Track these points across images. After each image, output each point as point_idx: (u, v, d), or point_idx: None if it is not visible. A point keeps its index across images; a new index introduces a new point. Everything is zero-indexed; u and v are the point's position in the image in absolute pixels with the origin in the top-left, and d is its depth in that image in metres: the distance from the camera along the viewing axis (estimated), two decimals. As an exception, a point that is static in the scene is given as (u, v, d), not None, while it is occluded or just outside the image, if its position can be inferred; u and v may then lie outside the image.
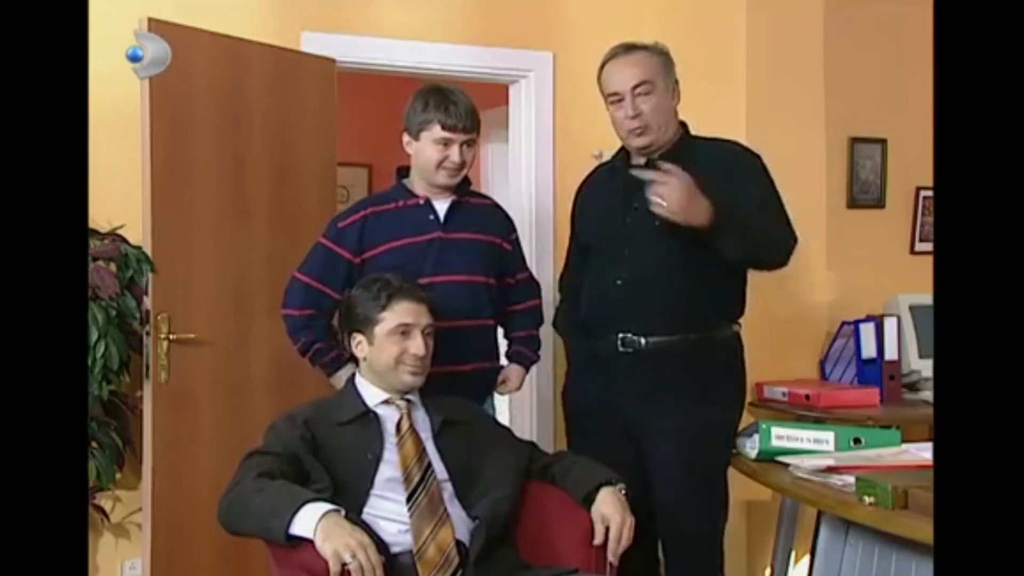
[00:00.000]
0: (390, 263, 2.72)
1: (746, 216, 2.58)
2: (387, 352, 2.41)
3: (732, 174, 2.65)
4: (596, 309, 2.76)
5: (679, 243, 2.58)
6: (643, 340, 2.64)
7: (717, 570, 2.74)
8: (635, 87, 2.66)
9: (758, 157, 2.75)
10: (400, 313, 2.42)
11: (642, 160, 2.71)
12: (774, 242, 2.66)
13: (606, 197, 2.81)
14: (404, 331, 2.41)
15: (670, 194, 2.47)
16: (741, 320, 2.78)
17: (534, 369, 3.71)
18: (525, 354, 2.95)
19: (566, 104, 3.98)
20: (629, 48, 2.72)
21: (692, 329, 2.64)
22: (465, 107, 2.74)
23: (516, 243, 2.96)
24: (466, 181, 2.84)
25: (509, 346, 2.96)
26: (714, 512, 2.70)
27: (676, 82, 2.73)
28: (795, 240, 2.69)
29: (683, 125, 2.77)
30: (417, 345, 2.40)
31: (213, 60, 3.21)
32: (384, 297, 2.43)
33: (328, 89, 3.53)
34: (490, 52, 3.87)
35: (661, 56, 2.72)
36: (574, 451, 2.75)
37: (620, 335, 2.67)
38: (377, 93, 4.77)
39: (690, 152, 2.69)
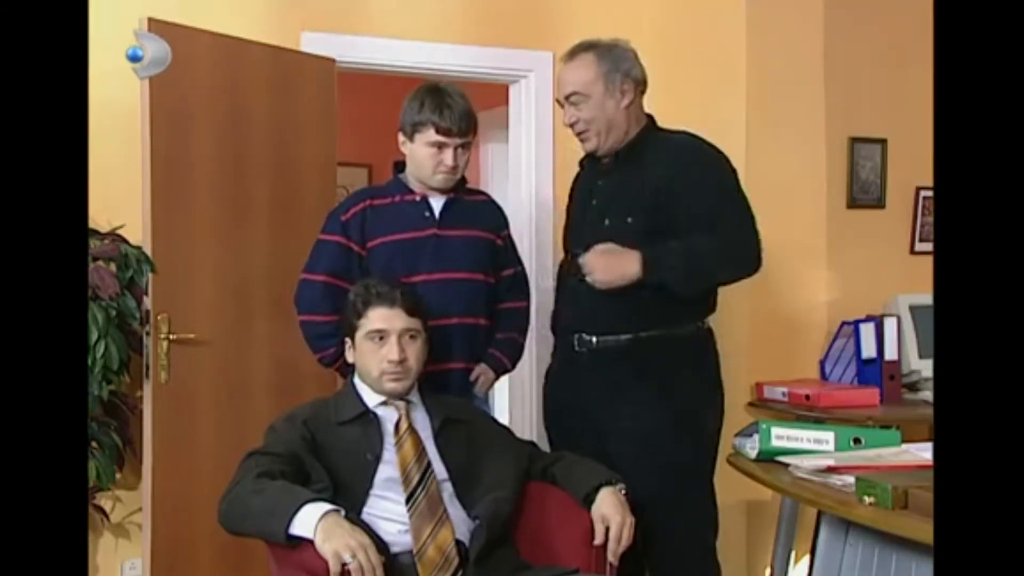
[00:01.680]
0: (386, 256, 2.71)
1: (687, 247, 2.58)
2: (367, 358, 2.43)
3: (685, 177, 2.64)
4: (560, 308, 2.81)
5: (629, 243, 2.61)
6: (594, 339, 2.66)
7: (701, 570, 2.70)
8: (568, 96, 2.69)
9: (719, 156, 2.71)
10: (373, 319, 2.43)
11: (605, 158, 2.75)
12: (731, 258, 2.65)
13: (579, 193, 2.86)
14: (380, 336, 2.42)
15: (592, 263, 2.58)
16: (711, 317, 2.76)
17: (534, 368, 3.73)
18: (497, 358, 2.83)
19: (566, 104, 3.98)
20: (573, 52, 2.72)
21: (646, 328, 2.63)
22: (461, 110, 2.70)
23: (508, 239, 2.93)
24: (462, 179, 2.83)
25: (488, 346, 2.85)
26: (690, 510, 2.66)
27: (630, 80, 2.68)
28: (758, 243, 2.65)
29: (649, 118, 2.77)
30: (391, 350, 2.40)
31: (213, 60, 3.21)
32: (360, 303, 2.45)
33: (328, 89, 3.53)
34: (490, 52, 3.87)
35: (604, 59, 2.68)
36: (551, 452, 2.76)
37: (576, 335, 2.69)
38: (377, 93, 4.76)
39: (643, 151, 2.70)
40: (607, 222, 2.68)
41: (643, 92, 2.75)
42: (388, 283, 2.50)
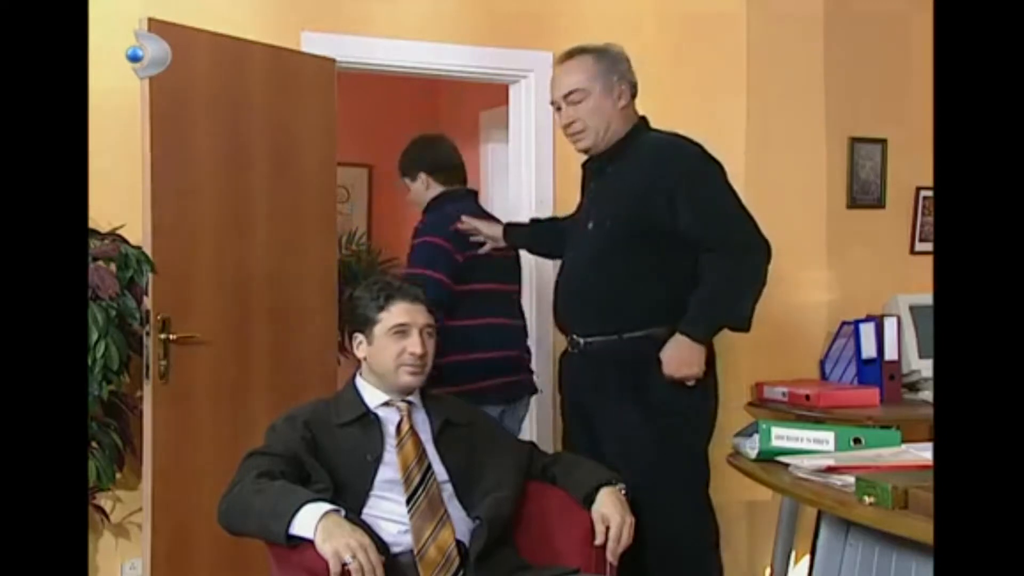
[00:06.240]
0: None
1: (701, 296, 2.60)
2: (386, 352, 2.42)
3: (664, 182, 2.63)
4: (554, 309, 2.86)
5: (608, 246, 2.65)
6: (583, 340, 2.72)
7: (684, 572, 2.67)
8: (567, 95, 2.73)
9: (700, 156, 2.68)
10: (397, 313, 2.43)
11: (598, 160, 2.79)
12: (745, 270, 2.65)
13: (583, 196, 2.90)
14: (402, 330, 2.42)
15: (678, 369, 2.60)
16: None
17: (535, 367, 3.73)
18: None
19: (566, 104, 3.98)
20: (568, 55, 2.78)
21: (629, 329, 2.65)
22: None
23: None
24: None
25: None
26: (675, 514, 2.63)
27: (625, 81, 2.74)
28: (757, 235, 2.65)
29: (642, 119, 2.79)
30: (415, 343, 2.41)
31: (213, 60, 3.21)
32: (382, 298, 2.45)
33: (328, 89, 3.53)
34: (490, 52, 3.87)
35: (601, 59, 2.74)
36: (567, 446, 2.83)
37: (570, 335, 2.78)
38: (377, 93, 4.77)
39: (626, 153, 2.72)
40: (590, 226, 2.73)
41: (634, 96, 2.79)
42: (403, 280, 2.57)
